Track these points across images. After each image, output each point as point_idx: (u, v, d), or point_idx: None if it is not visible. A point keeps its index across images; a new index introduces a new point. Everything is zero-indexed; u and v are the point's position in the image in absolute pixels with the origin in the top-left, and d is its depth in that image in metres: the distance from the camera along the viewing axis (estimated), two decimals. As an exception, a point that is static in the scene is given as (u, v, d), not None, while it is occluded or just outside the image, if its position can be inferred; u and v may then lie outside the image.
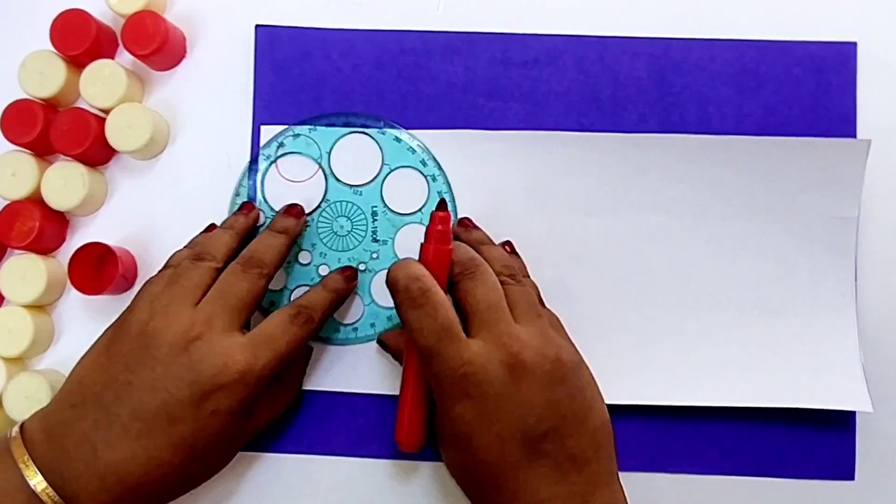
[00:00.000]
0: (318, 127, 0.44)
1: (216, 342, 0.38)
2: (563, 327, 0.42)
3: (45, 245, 0.45)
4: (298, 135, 0.44)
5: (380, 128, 0.44)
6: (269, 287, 0.41)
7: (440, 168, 0.44)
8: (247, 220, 0.43)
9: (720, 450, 0.44)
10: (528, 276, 0.43)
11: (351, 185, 0.44)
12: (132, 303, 0.40)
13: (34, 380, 0.43)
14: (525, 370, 0.37)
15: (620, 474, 0.41)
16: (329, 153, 0.44)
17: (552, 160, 0.44)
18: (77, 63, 0.44)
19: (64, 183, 0.43)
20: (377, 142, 0.44)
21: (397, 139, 0.44)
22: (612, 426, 0.40)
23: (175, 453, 0.37)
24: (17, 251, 0.44)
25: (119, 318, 0.40)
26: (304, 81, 0.45)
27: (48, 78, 0.44)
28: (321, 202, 0.44)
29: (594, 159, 0.44)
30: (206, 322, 0.38)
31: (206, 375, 0.37)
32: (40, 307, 0.45)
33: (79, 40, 0.44)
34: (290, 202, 0.44)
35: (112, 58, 0.45)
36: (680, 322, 0.44)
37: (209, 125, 0.46)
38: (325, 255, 0.44)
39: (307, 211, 0.44)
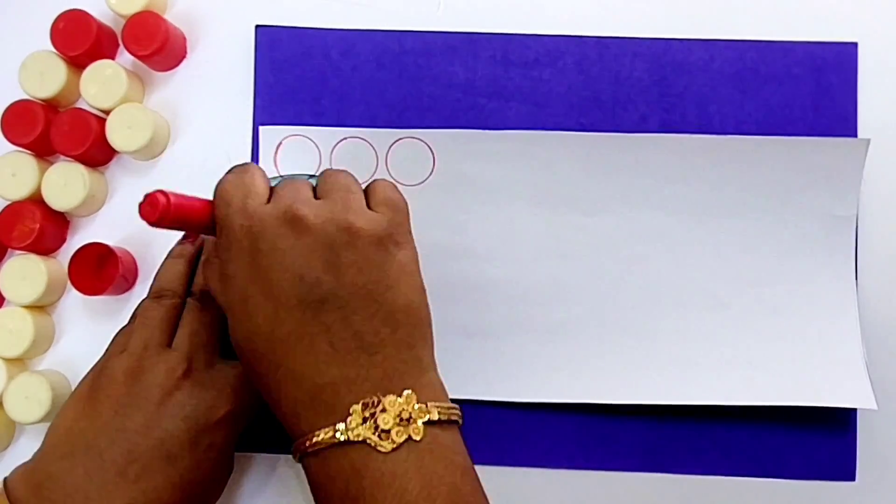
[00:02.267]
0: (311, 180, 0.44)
1: (204, 378, 0.38)
2: (401, 211, 0.37)
3: (45, 245, 0.45)
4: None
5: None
6: None
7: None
8: (193, 247, 0.43)
9: (720, 450, 0.44)
10: None
11: None
12: (105, 353, 0.40)
13: (34, 380, 0.43)
14: (303, 227, 0.34)
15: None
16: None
17: (552, 160, 0.44)
18: (77, 63, 0.44)
19: (64, 183, 0.43)
20: None
21: None
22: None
23: (174, 493, 0.37)
24: (17, 251, 0.44)
25: (93, 368, 0.40)
26: (304, 81, 0.45)
27: (49, 78, 0.44)
28: None
29: (594, 159, 0.44)
30: (189, 359, 0.39)
31: (201, 411, 0.38)
32: (41, 307, 0.45)
33: (79, 41, 0.44)
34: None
35: (112, 58, 0.45)
36: (680, 321, 0.44)
37: (209, 125, 0.46)
38: None
39: None
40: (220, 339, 0.41)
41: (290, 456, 0.35)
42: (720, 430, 0.44)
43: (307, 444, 0.33)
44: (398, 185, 0.44)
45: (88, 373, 0.40)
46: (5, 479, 0.38)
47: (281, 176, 0.43)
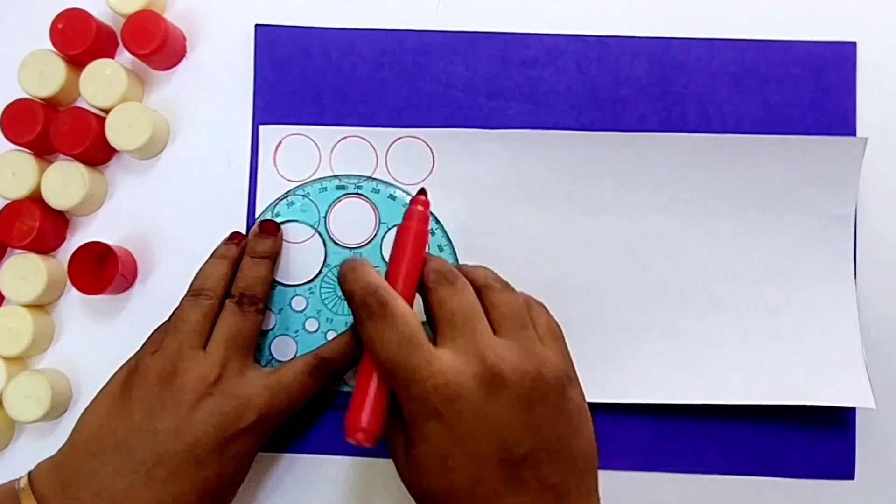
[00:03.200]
0: (311, 191, 0.44)
1: (235, 385, 0.39)
2: (562, 339, 0.38)
3: (45, 244, 0.45)
4: (293, 202, 0.44)
5: (374, 187, 0.44)
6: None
7: (437, 220, 0.44)
8: (238, 248, 0.43)
9: (720, 450, 0.44)
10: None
11: (350, 247, 0.44)
12: (140, 350, 0.41)
13: (34, 379, 0.43)
14: (502, 385, 0.34)
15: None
16: (325, 217, 0.44)
17: (552, 159, 0.44)
18: (77, 62, 0.44)
19: (64, 182, 0.43)
20: (372, 202, 0.44)
21: (392, 196, 0.44)
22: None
23: (200, 497, 0.37)
24: (17, 251, 0.44)
25: (126, 365, 0.40)
26: (304, 81, 0.45)
27: (48, 77, 0.44)
28: (322, 267, 0.44)
29: (594, 158, 0.44)
30: (222, 366, 0.39)
31: (230, 419, 0.38)
32: (40, 307, 0.45)
33: (79, 40, 0.44)
34: (261, 220, 0.43)
35: (112, 57, 0.45)
36: (680, 320, 0.44)
37: (209, 125, 0.46)
38: (332, 320, 0.44)
39: (310, 277, 0.44)
40: (255, 342, 0.41)
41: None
42: (720, 429, 0.44)
43: None
44: (397, 185, 0.44)
45: (121, 368, 0.40)
46: (30, 473, 0.38)
47: (321, 180, 0.44)
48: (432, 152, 0.44)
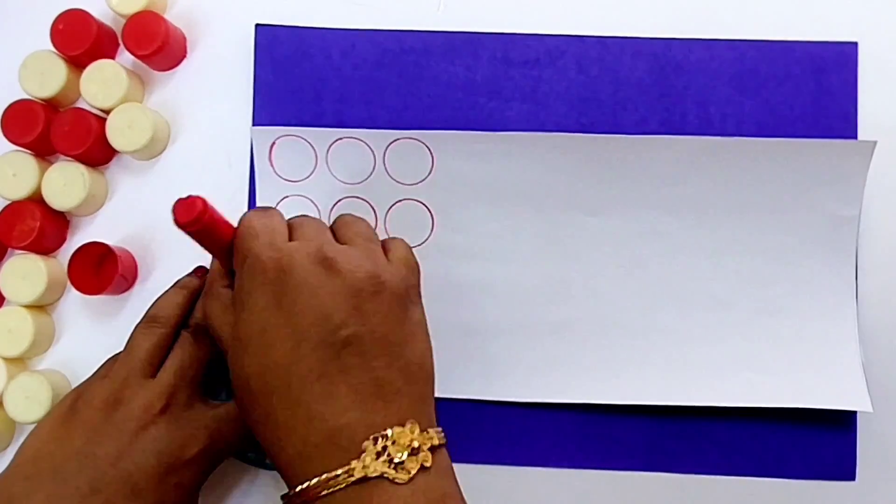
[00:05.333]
0: None
1: (182, 416, 0.38)
2: (415, 271, 0.38)
3: (45, 245, 0.45)
4: None
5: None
6: None
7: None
8: (199, 280, 0.42)
9: (720, 450, 0.44)
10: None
11: None
12: (90, 376, 0.40)
13: (35, 380, 0.43)
14: (335, 269, 0.34)
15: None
16: None
17: (552, 161, 0.44)
18: (77, 63, 0.44)
19: (64, 183, 0.43)
20: None
21: None
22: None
23: None
24: (17, 251, 0.44)
25: (75, 390, 0.40)
26: (304, 81, 0.45)
27: (49, 78, 0.44)
28: None
29: (594, 160, 0.43)
30: (170, 395, 0.38)
31: (173, 449, 0.37)
32: (41, 307, 0.45)
33: (79, 40, 0.44)
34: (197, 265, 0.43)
35: (112, 58, 0.45)
36: (680, 322, 0.44)
37: (209, 125, 0.46)
38: None
39: None
40: (203, 377, 0.40)
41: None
42: (720, 430, 0.44)
43: (320, 488, 0.32)
44: (398, 184, 0.44)
45: (69, 393, 0.40)
46: None
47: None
48: (431, 153, 0.44)
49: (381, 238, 0.40)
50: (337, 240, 0.38)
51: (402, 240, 0.40)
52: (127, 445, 0.37)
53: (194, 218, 0.35)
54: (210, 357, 0.40)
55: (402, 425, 0.33)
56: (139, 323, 0.41)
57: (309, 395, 0.33)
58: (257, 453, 0.43)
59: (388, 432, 0.33)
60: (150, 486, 0.37)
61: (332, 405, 0.33)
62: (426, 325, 0.37)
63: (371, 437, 0.33)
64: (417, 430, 0.33)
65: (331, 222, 0.44)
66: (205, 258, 0.44)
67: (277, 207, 0.44)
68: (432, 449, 0.33)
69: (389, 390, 0.34)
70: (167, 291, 0.42)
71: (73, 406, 0.38)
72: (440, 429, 0.35)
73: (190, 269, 0.43)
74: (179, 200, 0.35)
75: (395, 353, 0.35)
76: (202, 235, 0.36)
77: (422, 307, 0.38)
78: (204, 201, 0.35)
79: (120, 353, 0.41)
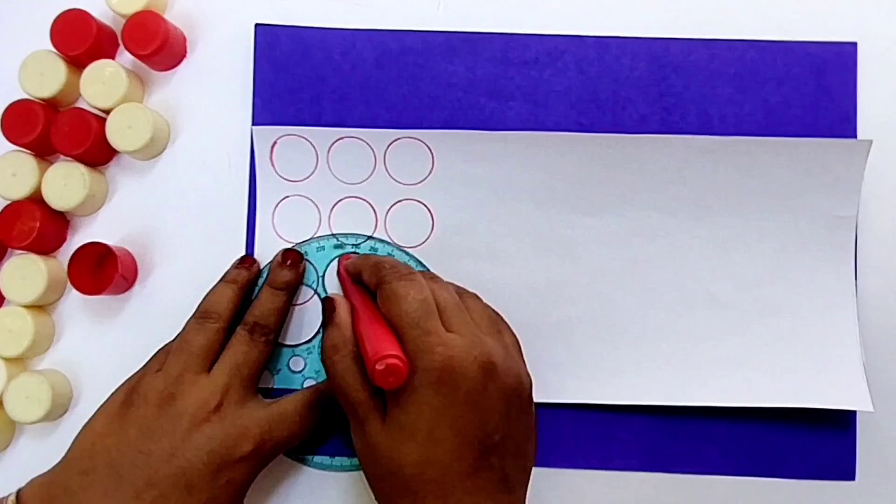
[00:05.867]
0: (308, 250, 0.44)
1: (235, 414, 0.39)
2: (519, 351, 0.41)
3: (45, 245, 0.45)
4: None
5: (372, 246, 0.44)
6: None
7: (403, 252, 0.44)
8: (249, 273, 0.43)
9: (720, 450, 0.44)
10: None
11: None
12: (143, 368, 0.41)
13: (34, 380, 0.43)
14: (495, 374, 0.36)
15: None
16: (322, 277, 0.44)
17: (552, 160, 0.44)
18: (77, 63, 0.44)
19: (64, 183, 0.43)
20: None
21: (390, 255, 0.44)
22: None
23: None
24: (17, 251, 0.44)
25: (128, 382, 0.40)
26: (304, 81, 0.45)
27: (48, 78, 0.44)
28: (320, 327, 0.44)
29: (594, 160, 0.43)
30: (224, 393, 0.39)
31: (226, 447, 0.38)
32: (41, 307, 0.45)
33: (79, 40, 0.44)
34: (284, 250, 0.44)
35: (112, 58, 0.45)
36: (679, 322, 0.44)
37: (209, 125, 0.46)
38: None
39: (308, 337, 0.44)
40: (260, 373, 0.41)
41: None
42: (720, 430, 0.44)
43: None
44: (398, 184, 0.44)
45: (122, 385, 0.40)
46: (20, 490, 0.38)
47: (318, 239, 0.44)
48: (431, 153, 0.44)
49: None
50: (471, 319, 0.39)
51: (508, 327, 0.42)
52: (181, 442, 0.37)
53: (405, 377, 0.35)
54: (265, 357, 0.41)
55: None
56: (192, 317, 0.41)
57: (461, 489, 0.35)
58: (304, 451, 0.44)
59: None
60: (202, 483, 0.37)
61: (477, 498, 0.35)
62: (536, 416, 0.40)
63: None
64: None
65: (331, 222, 0.44)
66: (208, 257, 0.44)
67: (279, 206, 0.44)
68: None
69: (513, 483, 0.37)
70: (217, 285, 0.42)
71: (127, 400, 0.39)
72: None
73: (235, 260, 0.43)
74: (380, 371, 0.35)
75: (522, 452, 0.38)
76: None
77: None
78: (401, 359, 0.35)
79: (170, 343, 0.41)
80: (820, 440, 0.44)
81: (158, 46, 0.44)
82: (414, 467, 0.35)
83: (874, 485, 0.43)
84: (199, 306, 0.41)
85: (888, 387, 0.44)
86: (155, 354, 0.41)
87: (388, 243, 0.44)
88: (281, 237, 0.45)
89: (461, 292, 0.41)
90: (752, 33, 0.45)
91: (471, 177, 0.44)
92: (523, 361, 0.40)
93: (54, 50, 0.44)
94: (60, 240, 0.45)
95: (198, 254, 0.45)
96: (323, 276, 0.44)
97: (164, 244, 0.45)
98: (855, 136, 0.44)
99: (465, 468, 0.35)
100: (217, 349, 0.40)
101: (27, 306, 0.44)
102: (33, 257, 0.43)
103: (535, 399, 0.43)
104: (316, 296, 0.44)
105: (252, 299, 0.43)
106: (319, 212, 0.45)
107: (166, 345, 0.41)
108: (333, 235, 0.44)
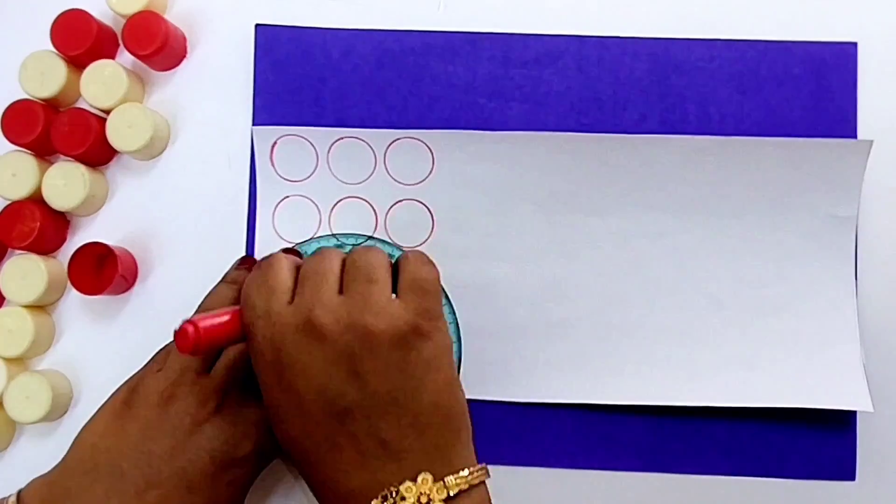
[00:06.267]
0: (308, 251, 0.44)
1: (236, 414, 0.39)
2: (429, 293, 0.37)
3: (45, 245, 0.45)
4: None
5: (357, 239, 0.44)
6: None
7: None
8: (248, 273, 0.42)
9: (720, 450, 0.44)
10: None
11: None
12: (143, 368, 0.40)
13: (35, 380, 0.43)
14: (321, 337, 0.34)
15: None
16: None
17: (552, 161, 0.44)
18: (77, 63, 0.44)
19: (64, 183, 0.43)
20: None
21: (390, 255, 0.44)
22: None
23: None
24: (17, 251, 0.44)
25: (128, 382, 0.40)
26: (304, 81, 0.45)
27: (49, 78, 0.44)
28: None
29: (594, 160, 0.43)
30: (224, 392, 0.39)
31: (227, 447, 0.38)
32: (41, 307, 0.45)
33: (79, 40, 0.44)
34: (243, 256, 0.44)
35: (112, 58, 0.45)
36: (680, 322, 0.44)
37: (209, 125, 0.46)
38: None
39: None
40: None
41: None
42: (720, 430, 0.44)
43: None
44: (398, 184, 0.44)
45: (122, 385, 0.40)
46: (20, 492, 0.38)
47: (318, 239, 0.44)
48: (432, 153, 0.44)
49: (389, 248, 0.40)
50: (341, 283, 0.37)
51: (416, 254, 0.38)
52: (182, 442, 0.37)
53: (192, 346, 0.35)
54: None
55: (414, 480, 0.34)
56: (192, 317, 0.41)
57: (322, 463, 0.34)
58: None
59: (396, 489, 0.33)
60: (204, 483, 0.37)
61: (342, 471, 0.34)
62: (445, 356, 0.36)
63: (379, 496, 0.33)
64: (431, 481, 0.34)
65: (331, 222, 0.44)
66: (208, 257, 0.44)
67: (280, 206, 0.44)
68: (456, 496, 0.34)
69: (398, 447, 0.34)
70: (217, 286, 0.42)
71: (127, 400, 0.39)
72: (471, 469, 0.35)
73: (236, 261, 0.43)
74: (175, 333, 0.35)
75: (402, 407, 0.34)
76: (216, 345, 0.37)
77: (440, 335, 0.36)
78: (194, 324, 0.35)
79: (171, 343, 0.41)
80: (820, 440, 0.44)
81: (158, 46, 0.44)
82: (286, 445, 0.36)
83: (874, 485, 0.43)
84: (199, 306, 0.41)
85: (888, 387, 0.44)
86: (155, 354, 0.41)
87: (388, 243, 0.44)
88: (281, 237, 0.45)
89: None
90: (752, 33, 0.45)
91: (471, 177, 0.44)
92: (411, 307, 0.35)
93: (54, 50, 0.44)
94: (60, 240, 0.45)
95: (198, 254, 0.45)
96: None
97: (164, 244, 0.45)
98: (855, 136, 0.44)
99: (318, 442, 0.34)
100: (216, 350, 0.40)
101: (27, 306, 0.44)
102: (33, 257, 0.43)
103: (536, 399, 0.44)
104: None
105: None
106: (319, 212, 0.45)
107: (166, 345, 0.41)
108: (334, 235, 0.44)
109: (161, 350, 0.41)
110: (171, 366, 0.39)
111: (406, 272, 0.37)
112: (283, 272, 0.37)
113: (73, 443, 0.39)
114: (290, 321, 0.35)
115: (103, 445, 0.38)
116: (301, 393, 0.34)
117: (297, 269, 0.37)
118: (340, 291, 0.36)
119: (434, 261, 0.38)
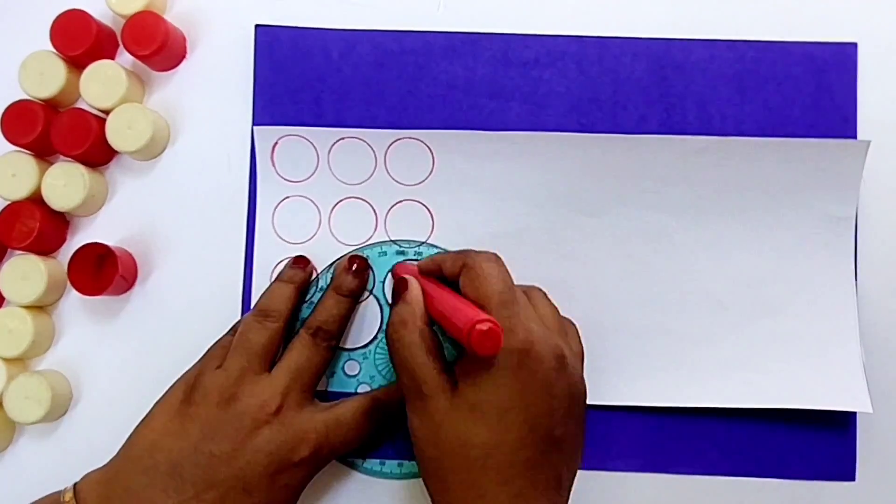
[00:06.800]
0: (370, 254, 0.44)
1: (294, 418, 0.39)
2: (582, 359, 0.41)
3: (45, 245, 0.45)
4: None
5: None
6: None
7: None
8: (304, 273, 0.43)
9: (720, 450, 0.44)
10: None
11: None
12: (200, 362, 0.40)
13: (34, 380, 0.43)
14: (565, 369, 0.36)
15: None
16: (383, 281, 0.44)
17: (552, 161, 0.44)
18: (77, 63, 0.44)
19: (64, 183, 0.43)
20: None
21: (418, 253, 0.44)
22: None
23: None
24: (17, 251, 0.44)
25: (185, 378, 0.40)
26: (304, 81, 0.45)
27: (48, 78, 0.44)
28: (377, 332, 0.44)
29: (594, 160, 0.43)
30: (284, 395, 0.39)
31: (285, 450, 0.38)
32: (40, 308, 0.45)
33: (79, 41, 0.44)
34: (351, 255, 0.43)
35: (112, 58, 0.45)
36: (679, 322, 0.44)
37: (209, 125, 0.46)
38: (384, 387, 0.43)
39: (365, 342, 0.44)
40: (317, 380, 0.41)
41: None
42: (720, 430, 0.44)
43: None
44: (398, 184, 0.44)
45: (179, 380, 0.40)
46: (76, 485, 0.38)
47: (379, 244, 0.44)
48: (432, 153, 0.44)
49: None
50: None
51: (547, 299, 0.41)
52: (241, 444, 0.37)
53: (500, 343, 0.34)
54: (326, 363, 0.41)
55: None
56: (249, 315, 0.41)
57: (522, 479, 0.35)
58: (355, 455, 0.43)
59: None
60: (261, 486, 0.37)
61: (533, 493, 0.35)
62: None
63: None
64: None
65: (331, 222, 0.44)
66: (208, 257, 0.44)
67: (280, 207, 0.44)
68: None
69: (564, 485, 0.37)
70: (274, 284, 0.42)
71: (187, 398, 0.39)
72: None
73: (289, 260, 0.43)
74: (482, 331, 0.33)
75: (576, 453, 0.37)
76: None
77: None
78: (491, 321, 0.34)
79: (226, 338, 0.41)
80: (820, 440, 0.44)
81: (158, 47, 0.44)
82: (480, 449, 0.35)
83: (874, 485, 0.44)
84: (256, 304, 0.41)
85: (888, 387, 0.44)
86: (210, 350, 0.41)
87: (441, 249, 0.44)
88: (281, 237, 0.45)
89: (527, 290, 0.41)
90: (752, 33, 0.45)
91: (471, 177, 0.44)
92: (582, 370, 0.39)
93: (54, 50, 0.44)
94: (60, 240, 0.45)
95: (198, 254, 0.45)
96: (383, 282, 0.44)
97: (164, 244, 0.45)
98: (855, 137, 0.44)
99: (528, 458, 0.35)
100: (276, 349, 0.40)
101: (27, 306, 0.44)
102: (33, 258, 0.43)
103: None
104: (374, 299, 0.44)
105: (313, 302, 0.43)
106: (320, 212, 0.45)
107: (221, 339, 0.41)
108: (394, 242, 0.44)
109: (216, 344, 0.41)
110: (231, 364, 0.39)
111: (573, 334, 0.41)
112: (506, 272, 0.38)
113: (130, 439, 0.39)
114: (548, 340, 0.36)
115: (163, 444, 0.38)
116: (536, 407, 0.35)
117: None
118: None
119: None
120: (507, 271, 0.38)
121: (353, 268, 0.42)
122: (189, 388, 0.39)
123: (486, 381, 0.35)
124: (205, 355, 0.41)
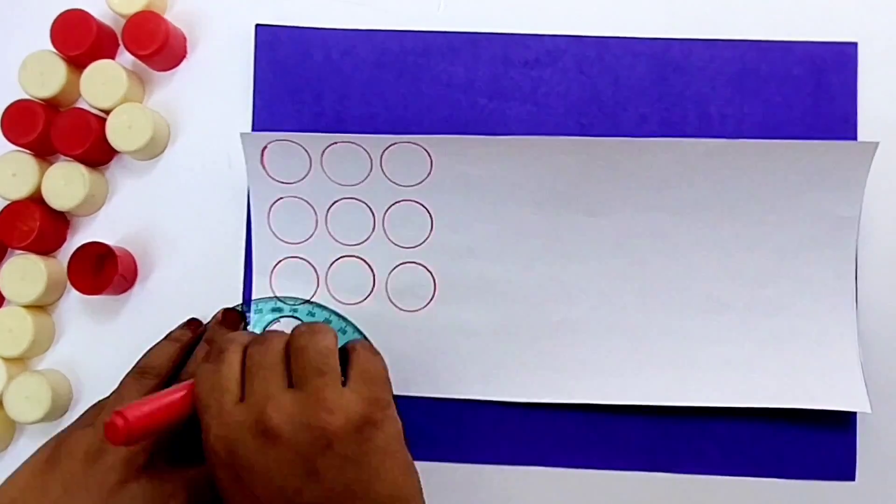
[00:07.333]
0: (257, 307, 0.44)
1: (163, 474, 0.37)
2: (378, 380, 0.37)
3: (45, 245, 0.45)
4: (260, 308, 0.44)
5: (310, 310, 0.44)
6: None
7: (335, 313, 0.44)
8: (192, 334, 0.43)
9: (720, 450, 0.44)
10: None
11: None
12: (74, 422, 0.39)
13: (34, 380, 0.43)
14: (276, 438, 0.34)
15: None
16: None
17: (551, 164, 0.43)
18: (77, 63, 0.44)
19: (64, 183, 0.43)
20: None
21: (327, 321, 0.44)
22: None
23: None
24: (17, 251, 0.44)
25: (57, 437, 0.39)
26: (304, 81, 0.45)
27: (49, 78, 0.44)
28: None
29: (594, 160, 0.43)
30: (151, 451, 0.37)
31: None
32: (41, 307, 0.45)
33: (79, 40, 0.44)
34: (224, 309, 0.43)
35: (112, 58, 0.45)
36: (680, 322, 0.44)
37: (209, 125, 0.46)
38: None
39: None
40: (188, 437, 0.39)
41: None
42: (720, 430, 0.44)
43: None
44: (396, 185, 0.44)
45: (49, 441, 0.39)
46: None
47: (257, 301, 0.44)
48: (429, 156, 0.44)
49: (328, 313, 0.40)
50: (290, 361, 0.36)
51: (366, 345, 0.39)
52: (105, 501, 0.36)
53: (124, 438, 0.34)
54: (196, 418, 0.39)
55: None
56: (129, 372, 0.40)
57: None
58: None
59: None
60: None
61: None
62: (398, 441, 0.36)
63: None
64: None
65: (329, 222, 0.44)
66: (208, 257, 0.44)
67: (274, 208, 0.44)
68: None
69: None
70: (160, 343, 0.42)
71: (52, 456, 0.37)
72: None
73: (181, 322, 0.43)
74: (105, 424, 0.34)
75: (361, 498, 0.34)
76: (157, 430, 0.36)
77: (391, 421, 0.36)
78: (123, 416, 0.34)
79: (105, 399, 0.40)
80: (820, 440, 0.44)
81: (158, 46, 0.44)
82: None
83: (874, 485, 0.43)
84: (138, 361, 0.41)
85: (887, 387, 0.44)
86: (88, 409, 0.40)
87: (325, 308, 0.44)
88: (279, 238, 0.45)
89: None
90: (752, 33, 0.45)
91: (470, 177, 0.44)
92: (362, 397, 0.36)
93: (54, 50, 0.44)
94: (60, 240, 0.45)
95: (198, 254, 0.45)
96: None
97: (164, 244, 0.45)
98: (855, 137, 0.44)
99: None
100: None
101: (27, 306, 0.44)
102: (33, 257, 0.43)
103: (536, 399, 0.44)
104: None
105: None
106: (316, 213, 0.44)
107: (99, 401, 0.40)
108: (275, 298, 0.44)
109: (94, 405, 0.40)
110: (101, 421, 0.38)
111: (356, 364, 0.37)
112: (234, 367, 0.36)
113: None
114: (243, 421, 0.34)
115: (22, 501, 0.36)
116: (258, 493, 0.34)
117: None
118: (290, 382, 0.36)
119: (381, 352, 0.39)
120: (220, 364, 0.36)
121: (226, 320, 0.43)
122: (56, 447, 0.38)
123: (216, 482, 0.35)
124: (81, 415, 0.40)
